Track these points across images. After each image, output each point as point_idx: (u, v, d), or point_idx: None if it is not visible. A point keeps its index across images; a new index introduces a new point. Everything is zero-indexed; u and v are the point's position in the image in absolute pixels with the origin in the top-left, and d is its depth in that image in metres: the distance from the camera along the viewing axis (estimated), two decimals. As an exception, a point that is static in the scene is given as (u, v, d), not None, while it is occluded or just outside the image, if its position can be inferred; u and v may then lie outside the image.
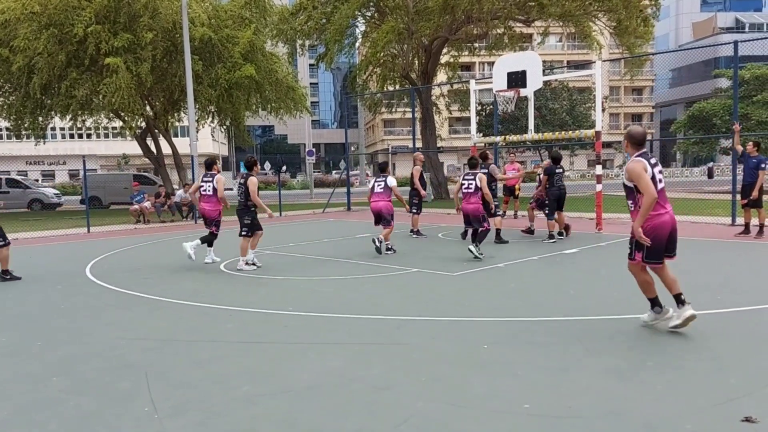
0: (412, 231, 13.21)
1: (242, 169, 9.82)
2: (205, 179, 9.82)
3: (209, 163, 9.86)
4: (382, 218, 10.67)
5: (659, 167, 5.15)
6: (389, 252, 10.50)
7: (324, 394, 4.00)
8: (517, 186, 17.02)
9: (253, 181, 9.21)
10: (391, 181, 10.83)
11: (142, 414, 3.73)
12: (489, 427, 3.41)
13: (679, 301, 5.13)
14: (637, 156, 5.06)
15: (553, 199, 11.63)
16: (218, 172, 9.92)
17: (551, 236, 11.56)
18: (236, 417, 3.66)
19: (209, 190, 9.75)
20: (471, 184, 9.65)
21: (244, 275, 8.80)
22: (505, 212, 17.44)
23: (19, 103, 23.59)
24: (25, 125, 24.93)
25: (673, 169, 56.71)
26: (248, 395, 4.01)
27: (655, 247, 5.01)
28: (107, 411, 3.80)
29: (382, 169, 11.15)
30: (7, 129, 31.89)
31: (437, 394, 3.92)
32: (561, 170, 11.80)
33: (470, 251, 9.40)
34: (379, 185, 10.83)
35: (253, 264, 9.36)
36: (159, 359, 4.86)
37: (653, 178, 4.97)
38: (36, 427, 3.60)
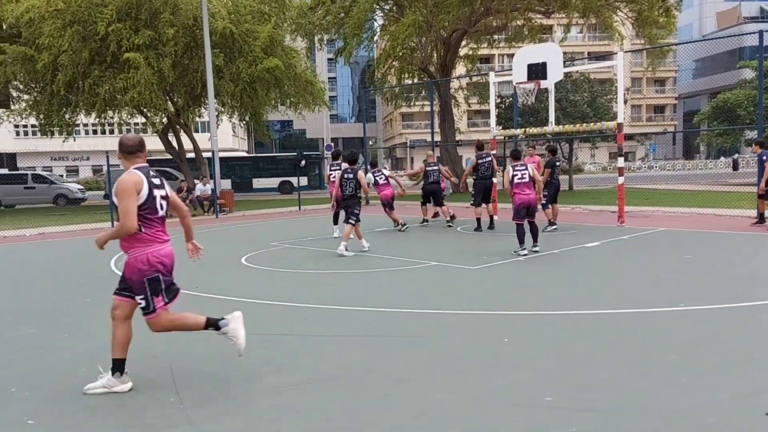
0: (425, 221, 14.11)
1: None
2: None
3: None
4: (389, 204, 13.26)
5: (165, 189, 4.14)
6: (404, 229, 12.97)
7: (344, 385, 4.04)
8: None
9: (361, 174, 10.59)
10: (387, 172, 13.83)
11: (168, 404, 3.81)
12: (509, 419, 3.42)
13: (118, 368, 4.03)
14: (134, 168, 4.00)
15: (552, 191, 12.23)
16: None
17: (552, 224, 12.24)
18: (260, 407, 3.71)
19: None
20: (524, 174, 9.49)
21: (262, 268, 8.89)
22: None
23: (46, 101, 23.96)
24: (54, 122, 25.31)
25: (696, 161, 55.86)
26: (271, 386, 4.06)
27: (166, 285, 4.01)
28: (134, 401, 3.89)
29: (374, 165, 13.85)
30: (33, 126, 32.45)
31: (456, 386, 3.94)
32: (559, 162, 12.52)
33: (536, 251, 9.35)
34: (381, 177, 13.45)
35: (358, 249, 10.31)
36: (182, 351, 4.94)
37: (152, 198, 3.96)
38: (64, 416, 3.69)
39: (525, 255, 9.13)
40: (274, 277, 8.26)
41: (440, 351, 4.69)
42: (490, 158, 12.75)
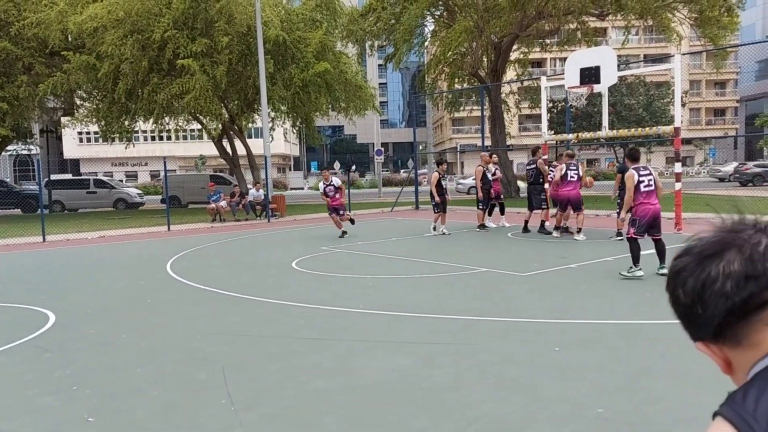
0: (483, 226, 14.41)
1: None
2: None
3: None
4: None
5: None
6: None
7: (391, 392, 4.04)
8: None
9: (435, 176, 13.37)
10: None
11: (219, 405, 3.89)
12: (560, 431, 3.35)
13: None
14: None
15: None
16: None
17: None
18: (306, 411, 3.75)
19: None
20: (651, 180, 7.95)
21: (313, 272, 9.00)
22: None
23: (106, 108, 24.95)
24: (114, 129, 26.34)
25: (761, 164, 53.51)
26: (318, 390, 4.10)
27: None
28: (187, 401, 3.99)
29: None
30: (95, 133, 33.87)
31: (506, 396, 3.89)
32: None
33: (663, 274, 7.44)
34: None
35: (443, 233, 13.30)
36: (234, 353, 5.05)
37: None
38: (123, 414, 3.82)
39: (641, 276, 7.66)
40: (324, 282, 8.34)
41: (490, 359, 4.64)
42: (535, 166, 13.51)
